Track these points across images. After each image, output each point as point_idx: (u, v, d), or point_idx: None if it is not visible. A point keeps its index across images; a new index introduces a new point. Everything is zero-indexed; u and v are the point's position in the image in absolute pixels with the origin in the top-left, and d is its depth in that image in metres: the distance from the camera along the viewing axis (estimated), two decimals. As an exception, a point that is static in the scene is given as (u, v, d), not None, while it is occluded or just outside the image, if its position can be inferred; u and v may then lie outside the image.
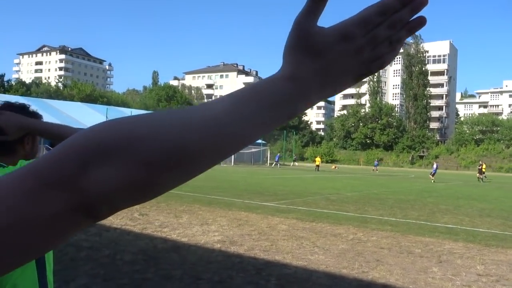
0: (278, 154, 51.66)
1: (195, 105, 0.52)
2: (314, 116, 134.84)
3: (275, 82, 0.53)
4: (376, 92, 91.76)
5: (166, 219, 9.51)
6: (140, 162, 0.44)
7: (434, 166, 31.68)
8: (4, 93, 60.51)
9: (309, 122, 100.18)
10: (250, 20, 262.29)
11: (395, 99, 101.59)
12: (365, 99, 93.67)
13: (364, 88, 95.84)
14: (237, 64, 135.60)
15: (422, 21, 0.55)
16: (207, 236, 7.90)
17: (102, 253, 6.30)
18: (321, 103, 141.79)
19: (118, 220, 9.02)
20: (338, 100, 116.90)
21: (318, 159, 45.66)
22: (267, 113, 0.51)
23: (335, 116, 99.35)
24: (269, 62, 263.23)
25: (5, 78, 77.23)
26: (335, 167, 56.12)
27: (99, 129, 0.46)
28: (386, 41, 0.55)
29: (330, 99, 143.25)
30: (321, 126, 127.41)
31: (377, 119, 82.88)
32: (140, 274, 5.40)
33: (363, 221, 10.39)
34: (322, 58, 0.53)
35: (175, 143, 0.47)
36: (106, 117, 38.73)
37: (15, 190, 0.42)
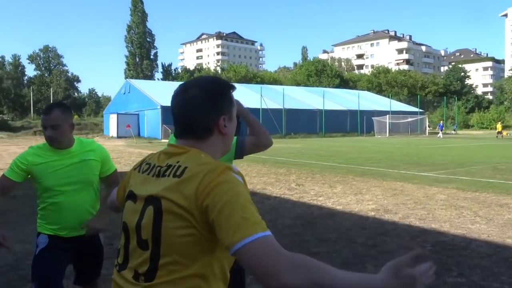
0: (441, 122, 47.54)
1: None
2: (480, 78, 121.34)
3: (374, 278, 1.05)
4: (559, 44, 78.25)
5: (321, 189, 9.97)
6: (305, 283, 1.03)
7: None
8: (173, 80, 68.15)
9: (473, 86, 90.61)
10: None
11: None
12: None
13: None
14: (388, 30, 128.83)
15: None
16: (361, 204, 8.12)
17: (265, 218, 6.93)
18: (488, 63, 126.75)
19: (277, 190, 9.79)
20: (509, 58, 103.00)
21: (499, 125, 41.29)
22: None
23: (506, 76, 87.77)
24: (424, 24, 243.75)
25: (173, 67, 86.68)
26: (507, 133, 50.15)
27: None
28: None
29: (498, 57, 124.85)
30: (489, 89, 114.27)
31: (560, 76, 70.96)
32: (299, 236, 5.93)
33: (536, 191, 9.39)
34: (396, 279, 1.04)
35: (319, 281, 1.04)
36: (261, 95, 40.87)
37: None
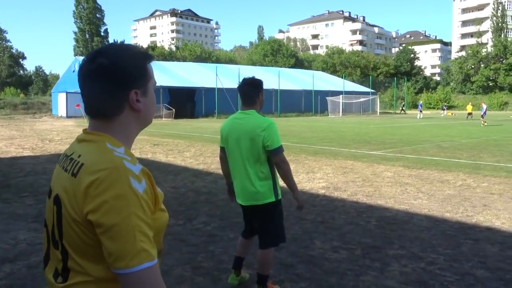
0: (420, 102, 47.29)
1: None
2: (428, 59, 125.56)
3: None
4: (500, 28, 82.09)
5: (274, 168, 10.12)
6: None
7: (484, 107, 28.92)
8: (126, 58, 65.83)
9: (422, 67, 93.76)
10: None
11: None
12: (487, 38, 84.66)
13: (486, 25, 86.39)
14: (342, 11, 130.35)
15: None
16: (312, 183, 8.35)
17: (218, 197, 7.09)
18: (436, 45, 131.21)
19: (231, 169, 9.85)
20: (456, 41, 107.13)
21: (469, 107, 40.20)
22: None
23: (452, 58, 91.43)
24: (377, 5, 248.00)
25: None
26: (452, 113, 52.54)
27: None
28: None
29: (446, 40, 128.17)
30: (437, 70, 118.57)
31: (501, 59, 74.68)
32: (251, 214, 6.03)
33: (475, 167, 9.99)
34: None
35: None
36: (216, 74, 40.54)
37: None
